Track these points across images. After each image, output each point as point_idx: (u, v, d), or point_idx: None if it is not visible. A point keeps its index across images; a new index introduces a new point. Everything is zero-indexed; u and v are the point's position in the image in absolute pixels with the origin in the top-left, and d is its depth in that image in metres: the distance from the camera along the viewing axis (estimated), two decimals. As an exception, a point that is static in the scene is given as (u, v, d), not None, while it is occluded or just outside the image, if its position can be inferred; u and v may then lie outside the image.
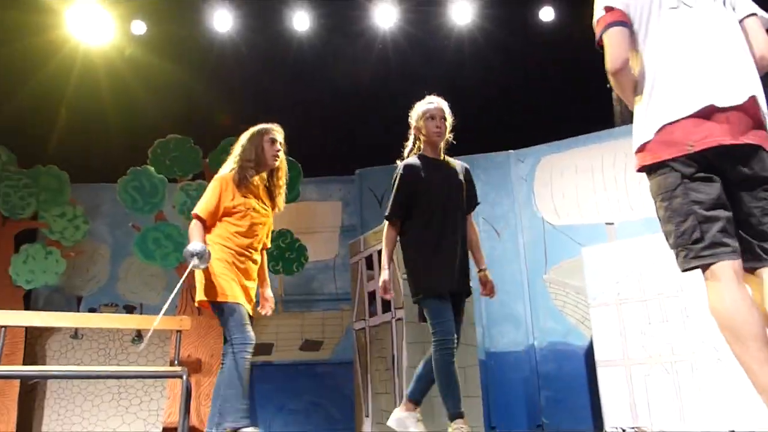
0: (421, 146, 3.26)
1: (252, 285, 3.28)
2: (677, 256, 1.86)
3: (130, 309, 6.06)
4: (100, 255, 6.16)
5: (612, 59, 1.90)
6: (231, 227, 3.19)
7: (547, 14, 5.75)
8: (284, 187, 3.46)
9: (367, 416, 4.59)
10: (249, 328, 3.14)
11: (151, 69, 5.66)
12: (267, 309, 3.48)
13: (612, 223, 5.21)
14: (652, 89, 1.90)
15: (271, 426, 5.76)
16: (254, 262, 3.29)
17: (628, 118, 5.80)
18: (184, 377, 4.33)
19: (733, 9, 1.98)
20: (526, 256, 5.48)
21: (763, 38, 1.95)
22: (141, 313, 6.00)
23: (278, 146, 3.38)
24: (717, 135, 1.79)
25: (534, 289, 5.36)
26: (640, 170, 1.95)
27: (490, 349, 5.35)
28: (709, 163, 1.80)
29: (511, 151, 5.73)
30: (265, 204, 3.35)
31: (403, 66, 5.99)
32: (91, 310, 5.94)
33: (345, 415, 5.61)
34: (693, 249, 1.80)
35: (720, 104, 1.80)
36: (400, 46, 5.89)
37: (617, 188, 5.27)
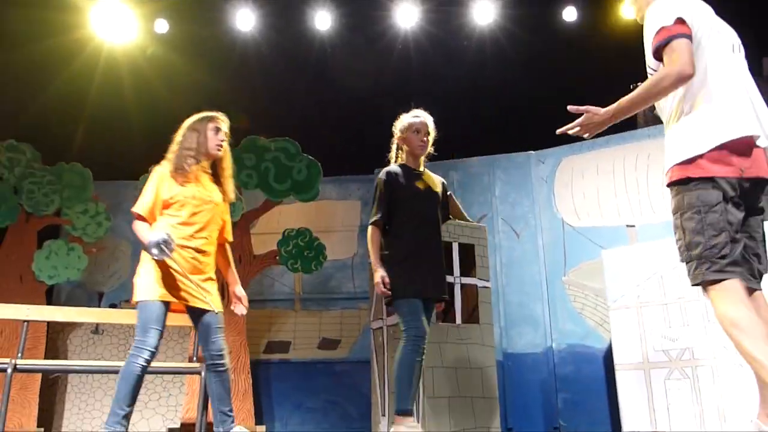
0: (403, 156, 3.40)
1: (202, 278, 3.06)
2: (698, 266, 1.95)
3: (176, 311, 6.13)
4: (122, 251, 6.24)
5: (686, 64, 1.97)
6: (171, 219, 3.03)
7: (569, 14, 5.71)
8: (231, 176, 3.30)
9: (384, 415, 4.59)
10: (153, 332, 2.90)
11: (174, 68, 5.72)
12: (240, 308, 3.32)
13: (633, 226, 5.16)
14: (713, 104, 2.01)
15: (288, 424, 5.79)
16: (203, 253, 3.08)
17: (650, 119, 5.74)
18: (203, 374, 4.37)
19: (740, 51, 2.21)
20: (545, 257, 5.45)
21: None
22: (161, 310, 6.07)
23: (222, 135, 3.22)
24: (761, 167, 1.98)
25: (553, 291, 5.33)
26: (678, 182, 2.02)
27: (508, 350, 5.33)
28: (743, 190, 1.96)
29: (532, 151, 5.70)
30: (210, 193, 3.16)
31: (424, 66, 5.99)
32: (112, 306, 6.02)
33: (362, 414, 5.62)
34: (718, 263, 1.91)
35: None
36: (422, 46, 5.88)
37: (639, 190, 5.22)
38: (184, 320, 4.85)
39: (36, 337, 5.37)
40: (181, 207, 3.03)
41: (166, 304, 2.96)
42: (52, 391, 5.74)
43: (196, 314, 3.06)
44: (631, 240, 5.09)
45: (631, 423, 4.21)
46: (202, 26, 5.84)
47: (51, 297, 5.89)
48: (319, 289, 6.24)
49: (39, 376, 5.34)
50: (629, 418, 4.23)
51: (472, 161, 5.92)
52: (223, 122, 3.25)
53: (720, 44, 2.12)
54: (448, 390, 4.23)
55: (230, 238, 3.37)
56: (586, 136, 2.30)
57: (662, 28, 2.06)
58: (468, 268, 4.54)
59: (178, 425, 5.16)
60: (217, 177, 3.25)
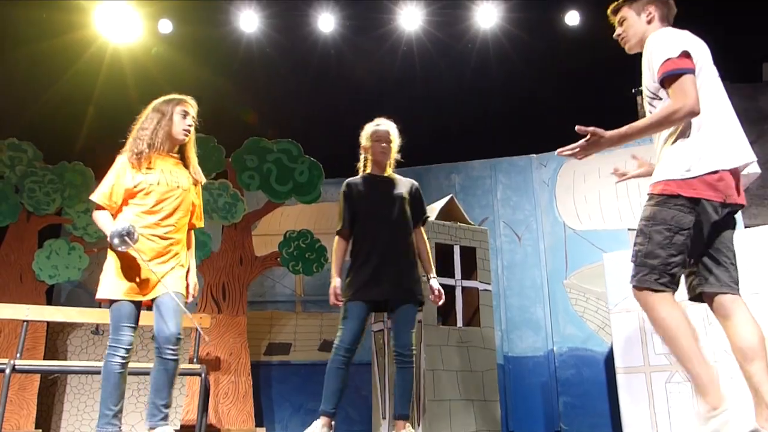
0: (369, 165, 3.53)
1: (167, 268, 2.93)
2: (647, 273, 2.15)
3: (150, 306, 6.12)
4: (123, 251, 6.24)
5: (695, 100, 2.11)
6: (136, 208, 2.90)
7: (572, 18, 5.72)
8: (195, 158, 3.16)
9: (384, 418, 4.58)
10: (125, 330, 2.86)
11: (177, 68, 5.72)
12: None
13: (634, 229, 5.16)
14: (711, 133, 2.17)
15: (288, 426, 5.77)
16: (169, 240, 2.95)
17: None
18: (203, 375, 4.37)
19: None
20: (546, 260, 5.45)
21: None
22: (161, 310, 6.07)
23: (190, 120, 3.07)
24: (738, 194, 2.18)
25: (554, 294, 5.33)
26: (661, 193, 2.17)
27: (509, 354, 5.32)
28: (719, 214, 2.15)
29: (534, 155, 5.71)
30: (176, 178, 3.00)
31: (427, 69, 6.00)
32: (113, 306, 6.01)
33: (362, 416, 5.60)
34: (665, 278, 2.13)
35: (743, 168, 2.20)
36: (425, 49, 5.90)
37: (640, 194, 5.22)
38: (184, 321, 4.86)
39: (35, 337, 5.36)
40: (146, 195, 2.91)
41: (136, 302, 2.88)
42: (50, 392, 5.72)
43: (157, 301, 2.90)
44: (632, 243, 5.09)
45: (632, 426, 4.20)
46: (206, 27, 5.85)
47: (51, 297, 5.88)
48: (320, 291, 6.23)
49: (38, 376, 5.32)
50: (630, 421, 4.22)
51: (474, 164, 5.92)
52: (192, 107, 3.12)
53: (713, 74, 2.29)
54: (450, 393, 4.23)
55: (200, 223, 3.21)
56: (579, 158, 2.39)
57: (669, 60, 2.16)
58: (469, 271, 4.55)
59: (178, 427, 5.15)
60: (183, 161, 3.11)
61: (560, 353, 5.19)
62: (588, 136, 2.29)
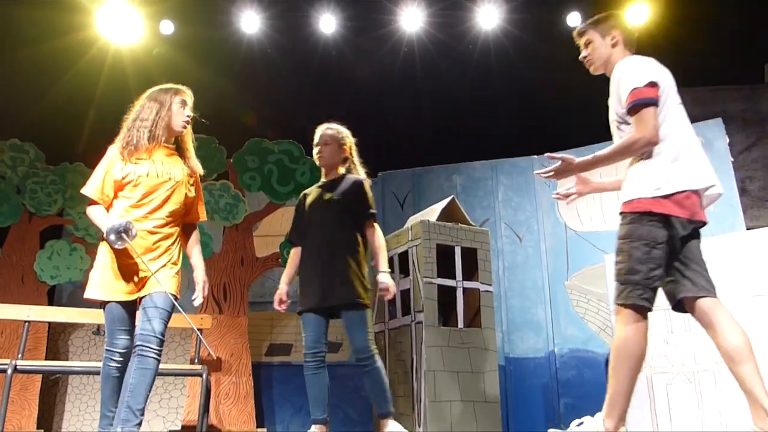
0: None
1: (157, 266, 2.77)
2: (631, 290, 2.25)
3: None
4: (124, 252, 6.24)
5: (653, 132, 2.27)
6: (124, 201, 2.77)
7: (574, 20, 5.72)
8: (193, 150, 3.06)
9: (385, 419, 4.58)
10: (119, 333, 2.74)
11: (179, 69, 5.73)
12: (197, 296, 2.96)
13: (636, 231, 5.16)
14: (677, 156, 2.31)
15: (290, 427, 5.77)
16: (156, 235, 2.80)
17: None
18: (204, 376, 4.37)
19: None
20: (547, 261, 5.45)
21: None
22: (162, 311, 6.07)
23: (189, 111, 2.96)
24: (702, 212, 2.32)
25: (555, 296, 5.33)
26: (634, 211, 2.28)
27: (510, 355, 5.32)
28: (686, 230, 2.29)
29: (535, 156, 5.71)
30: (168, 169, 2.85)
31: (429, 70, 6.00)
32: (114, 307, 6.01)
33: (363, 417, 5.60)
34: (648, 293, 2.25)
35: (705, 190, 2.35)
36: (426, 50, 5.90)
37: (641, 195, 5.22)
38: (185, 322, 4.86)
39: (37, 338, 5.37)
40: (134, 187, 2.76)
41: (127, 302, 2.73)
42: (52, 393, 5.72)
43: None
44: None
45: (633, 428, 4.20)
46: (207, 28, 5.85)
47: (53, 297, 5.88)
48: (321, 291, 6.24)
49: (39, 377, 5.33)
50: (631, 423, 4.21)
51: (475, 165, 5.92)
52: (189, 96, 3.01)
53: (677, 101, 2.41)
54: (450, 394, 4.23)
55: (201, 216, 3.09)
56: (554, 180, 2.61)
57: (636, 89, 2.30)
58: (470, 273, 4.55)
59: (179, 427, 5.15)
60: (180, 153, 2.97)
61: (561, 355, 5.19)
62: (560, 163, 2.49)
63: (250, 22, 5.81)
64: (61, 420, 5.66)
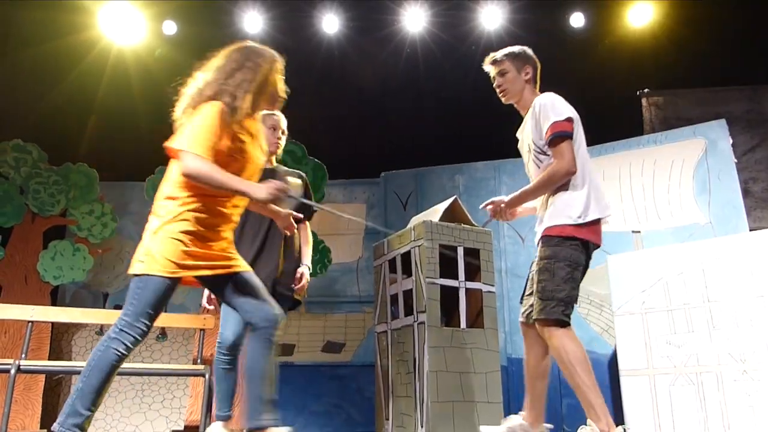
0: None
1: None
2: (556, 306, 2.44)
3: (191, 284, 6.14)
4: (128, 252, 6.24)
5: (571, 163, 2.50)
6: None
7: (577, 20, 5.72)
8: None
9: (388, 419, 4.59)
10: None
11: (181, 69, 5.74)
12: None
13: (639, 232, 5.16)
14: (589, 186, 2.56)
15: (292, 427, 5.78)
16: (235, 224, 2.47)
17: (657, 126, 5.75)
18: (207, 376, 4.38)
19: None
20: (550, 262, 5.44)
21: None
22: (165, 312, 6.08)
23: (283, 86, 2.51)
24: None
25: (558, 297, 5.31)
26: (559, 235, 2.49)
27: (512, 355, 5.32)
28: (591, 255, 2.61)
29: (537, 157, 5.70)
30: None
31: (432, 70, 6.00)
32: (117, 307, 6.02)
33: (366, 418, 5.61)
34: (569, 310, 2.46)
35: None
36: (429, 50, 5.89)
37: (644, 196, 5.21)
38: (188, 322, 4.87)
39: (40, 338, 5.38)
40: (235, 163, 2.30)
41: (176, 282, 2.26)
42: (55, 393, 5.74)
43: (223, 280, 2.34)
44: (637, 246, 5.08)
45: (636, 429, 4.20)
46: (210, 28, 5.86)
47: (56, 298, 5.90)
48: (323, 292, 6.24)
49: (42, 377, 5.34)
50: (633, 424, 4.22)
51: (478, 165, 5.92)
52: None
53: (583, 136, 2.65)
54: (453, 395, 4.23)
55: None
56: (501, 221, 2.92)
57: (556, 122, 2.52)
58: (473, 273, 4.54)
59: (182, 427, 5.16)
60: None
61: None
62: (492, 207, 2.77)
63: (253, 23, 5.81)
64: (64, 420, 5.67)
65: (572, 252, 2.46)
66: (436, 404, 4.04)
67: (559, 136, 2.50)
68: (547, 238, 2.52)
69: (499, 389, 4.29)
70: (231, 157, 2.27)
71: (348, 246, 6.34)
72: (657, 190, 5.17)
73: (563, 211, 2.51)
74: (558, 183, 2.53)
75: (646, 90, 5.93)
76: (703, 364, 4.04)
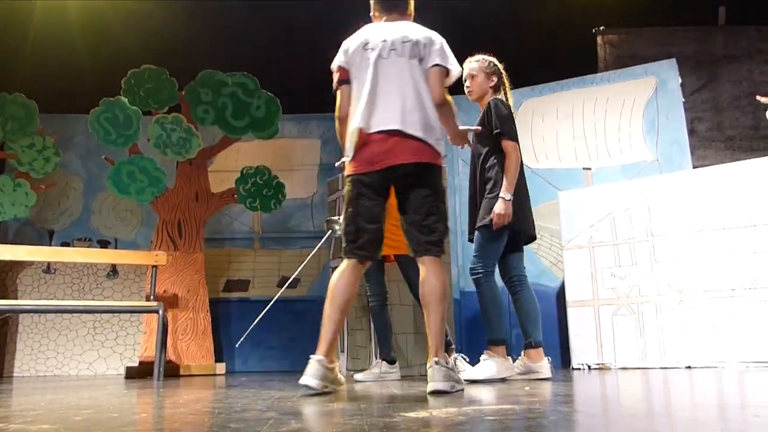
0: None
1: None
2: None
3: (104, 244, 6.00)
4: (73, 188, 6.04)
5: (338, 110, 2.58)
6: None
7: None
8: None
9: (343, 352, 4.69)
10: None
11: (124, -4, 5.42)
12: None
13: (589, 168, 5.28)
14: (350, 125, 2.55)
15: (248, 362, 5.86)
16: None
17: (611, 64, 5.79)
18: (161, 312, 4.35)
19: None
20: (503, 198, 5.53)
21: None
22: (116, 248, 5.96)
23: None
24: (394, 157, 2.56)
25: (509, 232, 5.43)
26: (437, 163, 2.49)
27: (465, 289, 5.46)
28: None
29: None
30: None
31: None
32: (64, 245, 5.87)
33: (320, 351, 5.71)
34: (347, 245, 2.49)
35: None
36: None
37: (596, 134, 5.31)
38: (139, 259, 4.80)
39: (-17, 276, 5.21)
40: None
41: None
42: (2, 332, 5.62)
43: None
44: (587, 182, 5.21)
45: (580, 356, 4.42)
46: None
47: (-2, 235, 5.69)
48: (278, 227, 6.22)
49: (-12, 315, 5.21)
50: (578, 351, 4.44)
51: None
52: None
53: (364, 64, 2.50)
54: (406, 327, 4.34)
55: None
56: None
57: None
58: (428, 209, 4.58)
59: (136, 363, 5.16)
60: None
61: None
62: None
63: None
64: (13, 359, 5.59)
65: (347, 188, 2.47)
66: (393, 336, 4.14)
67: (336, 84, 2.57)
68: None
69: (451, 321, 4.43)
70: None
71: (302, 181, 6.28)
72: (608, 128, 5.27)
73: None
74: (339, 128, 2.56)
75: (601, 28, 5.94)
76: (644, 294, 4.25)
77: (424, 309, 2.41)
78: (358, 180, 2.41)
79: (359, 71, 2.49)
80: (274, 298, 4.03)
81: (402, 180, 2.40)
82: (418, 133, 2.38)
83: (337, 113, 2.55)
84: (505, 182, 3.15)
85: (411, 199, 2.40)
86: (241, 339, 3.84)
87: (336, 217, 3.86)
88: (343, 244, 2.47)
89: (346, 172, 2.48)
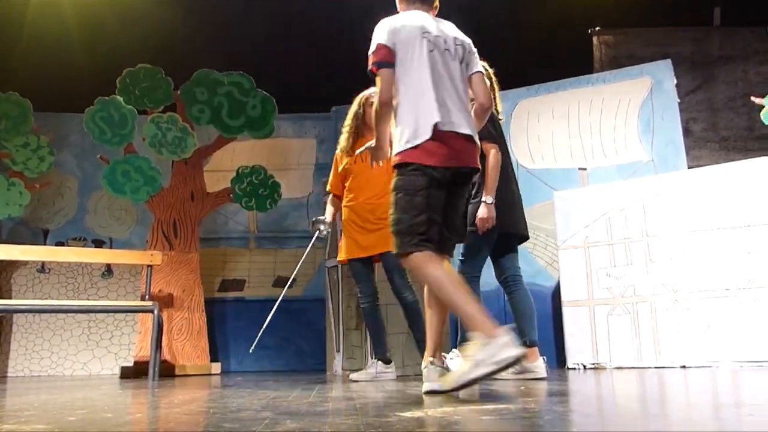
0: None
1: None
2: (398, 239, 2.31)
3: (99, 243, 5.98)
4: (68, 187, 6.01)
5: (386, 93, 2.37)
6: None
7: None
8: None
9: (338, 351, 4.69)
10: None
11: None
12: None
13: (584, 169, 5.29)
14: (417, 110, 2.39)
15: (243, 361, 5.85)
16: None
17: (607, 64, 5.80)
18: (156, 312, 4.33)
19: None
20: (498, 198, 5.53)
21: None
22: (110, 248, 5.94)
23: None
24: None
25: (505, 232, 5.43)
26: (397, 163, 2.34)
27: (460, 289, 5.46)
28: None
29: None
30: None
31: (386, 2, 5.82)
32: (59, 244, 5.84)
33: (316, 350, 5.72)
34: (414, 238, 2.29)
35: None
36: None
37: (591, 134, 5.32)
38: (135, 258, 4.78)
39: (-23, 276, 5.19)
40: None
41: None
42: (-4, 331, 5.60)
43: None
44: (582, 182, 5.22)
45: (575, 356, 4.43)
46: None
47: (-9, 234, 5.67)
48: (274, 227, 6.21)
49: (-18, 315, 5.19)
50: (573, 351, 4.45)
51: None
52: None
53: (420, 52, 2.39)
54: (401, 327, 4.34)
55: None
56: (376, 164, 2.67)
57: (371, 53, 2.38)
58: (424, 208, 4.58)
59: (131, 363, 5.14)
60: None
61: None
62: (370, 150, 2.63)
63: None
64: (7, 359, 5.56)
65: (408, 178, 2.29)
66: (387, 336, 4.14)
67: (376, 65, 2.36)
68: (393, 169, 2.39)
69: (447, 321, 4.41)
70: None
71: (298, 181, 6.27)
72: (604, 129, 5.28)
73: (399, 139, 2.35)
74: (382, 115, 2.40)
75: (597, 28, 5.95)
76: (639, 294, 4.25)
77: (428, 308, 2.41)
78: (430, 172, 2.30)
79: (410, 59, 2.37)
80: (279, 298, 4.03)
81: (459, 182, 2.38)
82: (477, 141, 2.41)
83: (381, 97, 2.35)
84: (486, 185, 3.14)
85: (454, 199, 2.40)
86: (253, 344, 3.85)
87: (322, 217, 3.80)
88: (405, 237, 2.27)
89: (408, 159, 2.29)
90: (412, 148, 2.28)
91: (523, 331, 3.32)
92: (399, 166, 2.32)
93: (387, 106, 2.37)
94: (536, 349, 3.28)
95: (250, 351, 3.93)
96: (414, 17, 2.45)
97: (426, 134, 2.28)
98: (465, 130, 2.34)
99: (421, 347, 3.43)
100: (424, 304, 2.44)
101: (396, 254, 2.31)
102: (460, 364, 2.16)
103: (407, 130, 2.32)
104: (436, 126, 2.28)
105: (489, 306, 5.42)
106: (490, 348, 2.04)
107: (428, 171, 2.28)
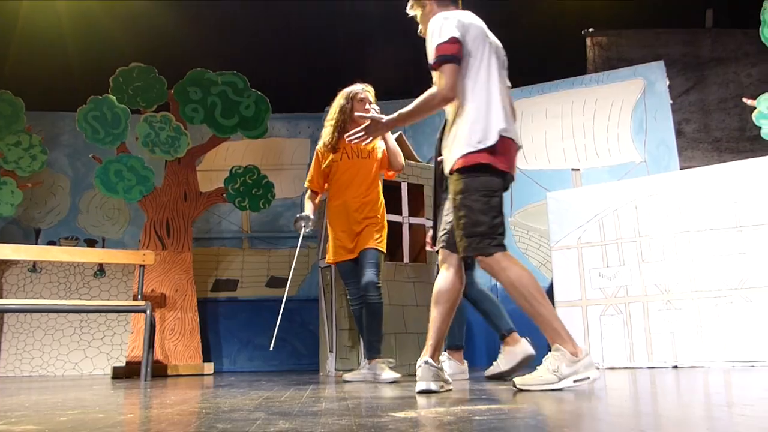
0: None
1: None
2: (476, 241, 2.34)
3: (91, 243, 5.95)
4: (60, 187, 5.98)
5: (449, 88, 2.35)
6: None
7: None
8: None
9: (332, 351, 4.68)
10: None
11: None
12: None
13: (578, 169, 5.31)
14: (488, 111, 2.42)
15: (236, 361, 5.83)
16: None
17: (600, 65, 5.82)
18: (148, 312, 4.32)
19: None
20: (492, 199, 5.54)
21: None
22: (103, 247, 5.92)
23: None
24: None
25: (498, 232, 5.45)
26: (467, 164, 2.34)
27: (454, 289, 5.47)
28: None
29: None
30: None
31: (382, 4, 5.83)
32: (51, 243, 5.81)
33: (310, 350, 5.71)
34: (494, 240, 2.35)
35: None
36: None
37: (585, 135, 5.34)
38: (127, 258, 4.76)
39: (-32, 275, 5.15)
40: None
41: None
42: (-13, 331, 5.56)
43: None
44: (576, 183, 5.24)
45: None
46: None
47: (-17, 233, 5.63)
48: (267, 227, 6.20)
49: (-27, 314, 5.15)
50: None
51: (424, 102, 5.87)
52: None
53: (488, 54, 2.41)
54: (395, 327, 4.34)
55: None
56: (367, 142, 2.61)
57: (438, 45, 2.34)
58: (417, 209, 4.59)
59: (123, 364, 5.12)
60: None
61: (503, 288, 5.35)
62: (368, 122, 2.56)
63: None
64: (-2, 358, 5.53)
65: (484, 179, 2.30)
66: (379, 336, 4.14)
67: (442, 59, 2.32)
68: (458, 171, 2.35)
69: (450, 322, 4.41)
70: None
71: (291, 181, 6.26)
72: (597, 129, 5.30)
73: (465, 138, 2.33)
74: (435, 107, 2.38)
75: (590, 30, 5.97)
76: (631, 295, 4.27)
77: (435, 306, 2.47)
78: (501, 175, 2.34)
79: (478, 58, 2.36)
80: (284, 298, 4.01)
81: (506, 188, 2.45)
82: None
83: (446, 93, 2.32)
84: None
85: None
86: (271, 342, 3.84)
87: (304, 214, 3.68)
88: (486, 239, 2.28)
89: (482, 160, 2.29)
90: (485, 149, 2.29)
91: (497, 328, 3.39)
92: (471, 169, 2.30)
93: (447, 102, 2.36)
94: (515, 333, 3.41)
95: (270, 348, 3.91)
96: (473, 17, 2.46)
97: (493, 138, 2.30)
98: (519, 140, 2.41)
99: (371, 349, 3.45)
100: (431, 301, 2.46)
101: (467, 254, 2.33)
102: (542, 372, 2.24)
103: (477, 131, 2.31)
104: (501, 132, 2.31)
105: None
106: (576, 366, 2.20)
107: (500, 174, 2.33)
